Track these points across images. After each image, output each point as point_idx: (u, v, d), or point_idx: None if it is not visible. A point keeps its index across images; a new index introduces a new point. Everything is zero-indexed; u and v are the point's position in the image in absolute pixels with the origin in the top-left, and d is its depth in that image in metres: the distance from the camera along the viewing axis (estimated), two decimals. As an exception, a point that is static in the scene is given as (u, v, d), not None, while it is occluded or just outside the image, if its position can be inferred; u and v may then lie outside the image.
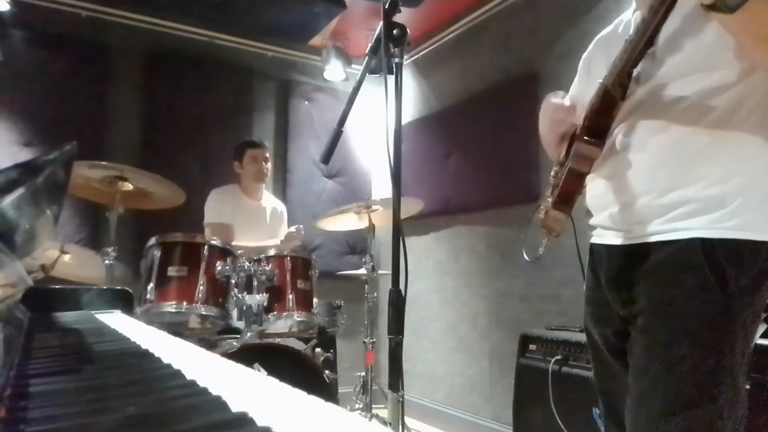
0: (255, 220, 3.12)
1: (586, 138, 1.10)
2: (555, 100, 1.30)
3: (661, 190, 1.08)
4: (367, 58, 1.34)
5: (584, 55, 1.38)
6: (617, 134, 1.16)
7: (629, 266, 1.14)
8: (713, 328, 1.01)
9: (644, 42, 1.01)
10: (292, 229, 3.07)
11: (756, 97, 1.03)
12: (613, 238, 1.19)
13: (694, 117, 1.05)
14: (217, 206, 3.02)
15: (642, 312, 1.10)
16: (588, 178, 1.18)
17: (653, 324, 1.08)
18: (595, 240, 1.28)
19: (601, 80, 1.12)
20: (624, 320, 1.17)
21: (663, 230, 1.08)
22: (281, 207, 3.31)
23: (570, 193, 1.17)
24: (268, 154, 3.13)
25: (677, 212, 1.06)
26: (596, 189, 1.24)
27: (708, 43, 1.01)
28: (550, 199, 1.24)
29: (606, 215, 1.21)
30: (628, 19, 1.22)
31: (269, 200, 3.26)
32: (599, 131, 1.10)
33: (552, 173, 1.30)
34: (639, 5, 1.16)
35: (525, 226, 1.54)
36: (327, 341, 2.87)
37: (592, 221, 1.29)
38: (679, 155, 1.07)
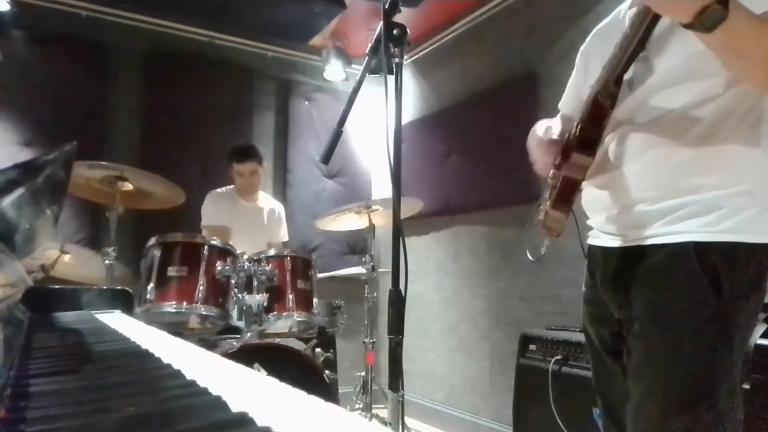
0: (252, 222, 3.12)
1: (578, 148, 1.11)
2: (539, 132, 1.29)
3: (654, 198, 1.09)
4: (367, 58, 1.34)
5: (582, 48, 1.37)
6: (609, 143, 1.17)
7: (624, 268, 1.14)
8: (709, 331, 1.01)
9: (632, 51, 1.02)
10: None
11: (744, 105, 1.03)
12: (609, 241, 1.20)
13: (683, 128, 1.06)
14: (213, 209, 3.02)
15: (638, 316, 1.10)
16: (583, 183, 1.19)
17: (649, 328, 1.07)
18: (591, 241, 1.29)
19: (592, 85, 1.12)
20: (620, 322, 1.18)
21: (658, 233, 1.08)
22: (279, 208, 3.31)
23: (568, 195, 1.18)
24: (256, 167, 3.03)
25: (672, 216, 1.06)
26: (591, 195, 1.25)
27: (697, 52, 1.00)
28: (548, 200, 1.24)
29: (601, 219, 1.22)
30: (625, 12, 1.21)
31: (266, 201, 3.26)
32: (591, 141, 1.12)
33: (549, 174, 1.30)
34: (634, 2, 1.16)
35: (526, 226, 1.55)
36: (327, 341, 2.87)
37: (589, 222, 1.30)
38: (672, 164, 1.07)
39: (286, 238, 3.30)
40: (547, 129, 1.27)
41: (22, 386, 0.48)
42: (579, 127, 1.13)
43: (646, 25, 0.98)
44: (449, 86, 3.81)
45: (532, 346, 2.37)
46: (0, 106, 3.15)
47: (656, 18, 0.98)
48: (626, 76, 1.09)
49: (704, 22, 0.85)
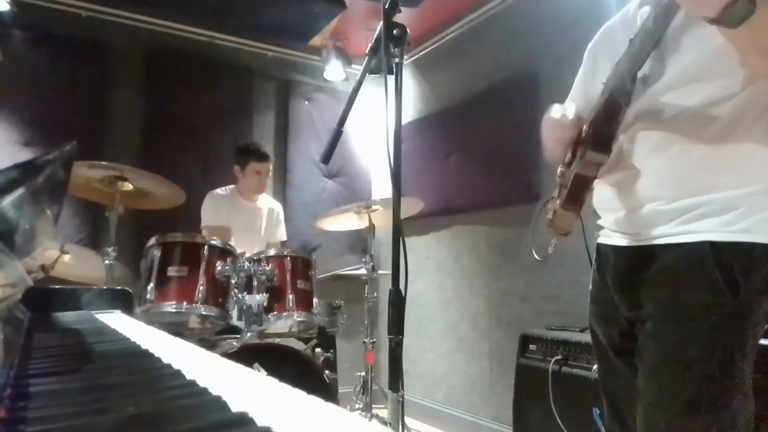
0: (252, 222, 3.13)
1: (592, 145, 1.09)
2: (555, 115, 1.27)
3: (669, 197, 1.08)
4: (367, 58, 1.34)
5: (590, 45, 1.36)
6: (623, 141, 1.16)
7: (636, 268, 1.13)
8: (724, 332, 1.00)
9: (648, 49, 1.01)
10: None
11: (761, 104, 1.02)
12: (621, 240, 1.19)
13: (700, 124, 1.05)
14: (213, 209, 3.02)
15: (651, 316, 1.09)
16: (595, 182, 1.18)
17: (663, 328, 1.07)
18: (602, 240, 1.27)
19: (604, 82, 1.11)
20: (630, 322, 1.17)
21: (671, 233, 1.07)
22: (278, 207, 3.31)
23: (578, 194, 1.17)
24: (271, 166, 3.12)
25: (686, 216, 1.05)
26: (603, 193, 1.24)
27: (712, 50, 1.00)
28: (558, 200, 1.24)
29: (613, 218, 1.21)
30: (634, 10, 1.20)
31: (266, 201, 3.26)
32: (605, 137, 1.10)
33: (558, 173, 1.29)
34: (644, 0, 1.15)
35: (532, 225, 1.55)
36: (327, 341, 2.87)
37: (599, 222, 1.28)
38: (687, 163, 1.06)
39: (284, 238, 3.30)
40: (562, 116, 1.24)
41: (22, 386, 0.48)
42: (592, 124, 1.12)
43: (668, 20, 0.97)
44: (449, 86, 3.81)
45: (532, 346, 2.36)
46: (0, 106, 3.15)
47: (674, 14, 0.97)
48: (640, 74, 1.08)
49: (731, 17, 0.84)
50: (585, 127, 1.15)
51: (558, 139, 1.26)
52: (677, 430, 1.01)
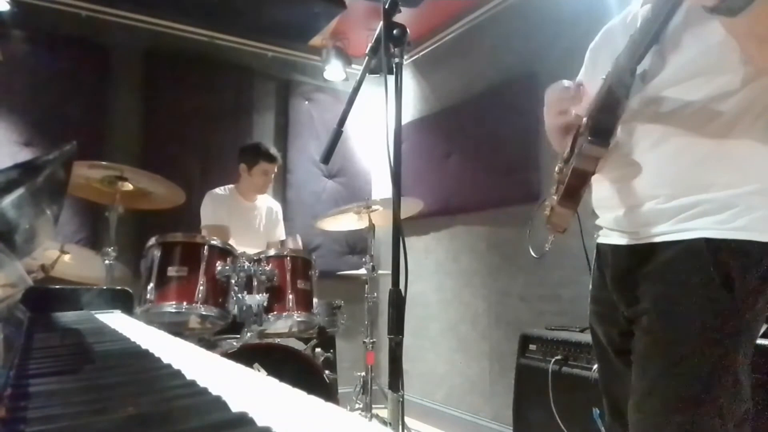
0: (251, 221, 3.13)
1: (590, 138, 1.08)
2: (558, 88, 1.27)
3: (668, 195, 1.08)
4: (367, 58, 1.34)
5: (591, 45, 1.36)
6: (623, 135, 1.15)
7: (634, 266, 1.13)
8: (716, 328, 1.00)
9: (647, 41, 1.00)
10: (290, 243, 3.08)
11: (761, 103, 1.02)
12: (620, 239, 1.19)
13: (699, 122, 1.05)
14: (212, 208, 3.03)
15: (646, 311, 1.09)
16: (593, 178, 1.17)
17: (656, 323, 1.07)
18: (601, 240, 1.27)
19: (604, 77, 1.11)
20: (629, 320, 1.17)
21: (669, 231, 1.07)
22: (276, 207, 3.32)
23: (576, 190, 1.15)
24: (276, 167, 3.14)
25: (684, 214, 1.05)
26: (601, 191, 1.23)
27: (712, 46, 1.00)
28: (555, 196, 1.23)
29: (611, 217, 1.21)
30: (636, 11, 1.19)
31: (264, 200, 3.26)
32: (604, 131, 1.08)
33: (556, 170, 1.29)
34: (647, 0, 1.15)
35: (529, 223, 1.54)
36: (327, 341, 2.87)
37: (598, 221, 1.28)
38: (686, 161, 1.06)
39: (283, 237, 3.31)
40: (565, 87, 1.23)
41: (22, 386, 0.48)
42: (591, 117, 1.11)
43: (668, 10, 0.97)
44: (449, 86, 3.81)
45: (532, 346, 2.37)
46: (0, 106, 3.15)
47: (675, 7, 0.97)
48: (640, 69, 1.07)
49: (731, 5, 0.84)
50: (584, 120, 1.15)
51: (561, 111, 1.23)
52: (666, 425, 1.02)
